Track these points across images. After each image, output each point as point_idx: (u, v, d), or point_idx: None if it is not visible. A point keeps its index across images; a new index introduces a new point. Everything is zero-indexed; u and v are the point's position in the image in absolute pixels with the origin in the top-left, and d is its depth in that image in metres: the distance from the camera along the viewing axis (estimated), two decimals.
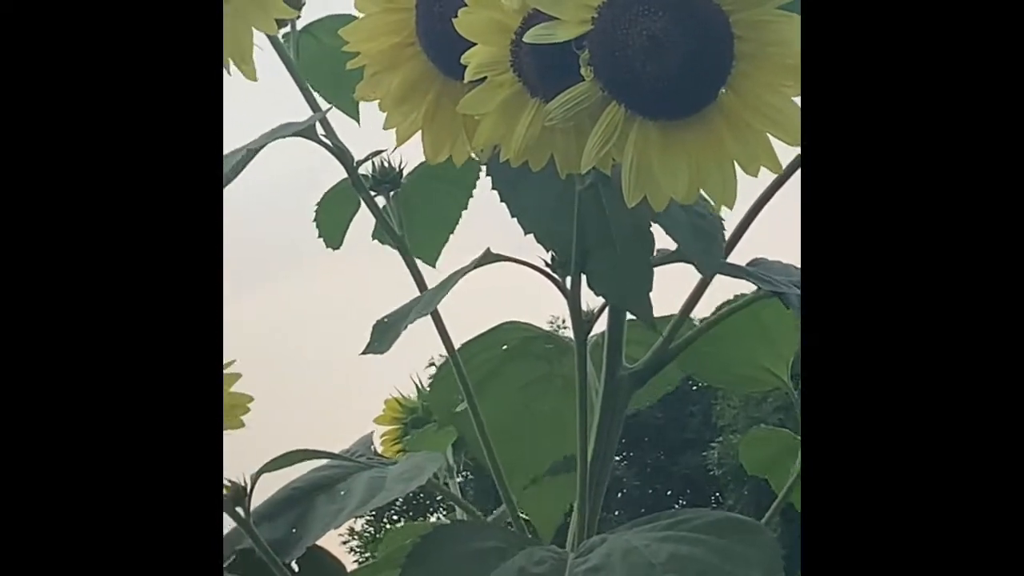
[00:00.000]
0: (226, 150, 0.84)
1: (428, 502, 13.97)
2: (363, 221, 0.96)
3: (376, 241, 0.96)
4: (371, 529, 15.97)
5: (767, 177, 0.67)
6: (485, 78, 0.63)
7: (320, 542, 0.80)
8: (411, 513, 15.49)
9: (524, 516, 0.91)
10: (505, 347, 0.91)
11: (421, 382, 1.17)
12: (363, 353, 0.78)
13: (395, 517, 16.04)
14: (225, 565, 0.77)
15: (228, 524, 0.76)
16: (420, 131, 0.71)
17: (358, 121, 0.92)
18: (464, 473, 1.05)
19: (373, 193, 0.91)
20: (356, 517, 0.79)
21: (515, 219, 0.74)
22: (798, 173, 0.69)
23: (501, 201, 0.77)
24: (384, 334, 0.78)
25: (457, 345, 0.88)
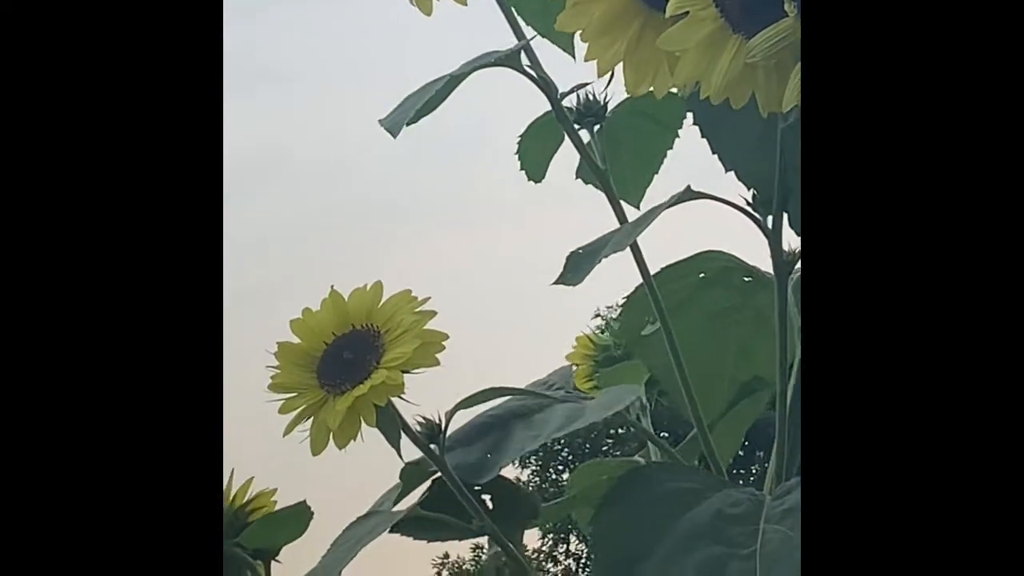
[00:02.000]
0: (432, 76, 0.84)
1: (595, 454, 14.03)
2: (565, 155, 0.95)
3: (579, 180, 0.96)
4: (536, 479, 16.10)
5: None
6: (687, 13, 0.62)
7: None
8: (576, 464, 15.64)
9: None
10: (702, 275, 0.90)
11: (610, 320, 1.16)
12: (555, 283, 0.78)
13: (560, 468, 16.16)
14: (425, 493, 0.78)
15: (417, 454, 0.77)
16: (622, 63, 0.70)
17: (573, 55, 0.91)
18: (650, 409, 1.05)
19: (577, 127, 0.90)
20: (548, 443, 0.79)
21: (716, 156, 0.72)
22: None
23: (702, 137, 0.76)
24: (578, 265, 0.78)
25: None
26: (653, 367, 0.92)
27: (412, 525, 0.78)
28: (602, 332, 1.13)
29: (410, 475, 0.80)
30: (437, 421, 0.77)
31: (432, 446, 0.76)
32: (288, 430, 0.72)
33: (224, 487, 0.87)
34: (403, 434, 0.75)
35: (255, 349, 0.75)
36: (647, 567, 0.67)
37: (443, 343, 0.71)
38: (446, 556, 16.48)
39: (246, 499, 0.87)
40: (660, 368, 0.90)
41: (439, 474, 0.79)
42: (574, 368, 1.09)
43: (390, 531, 0.76)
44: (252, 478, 0.88)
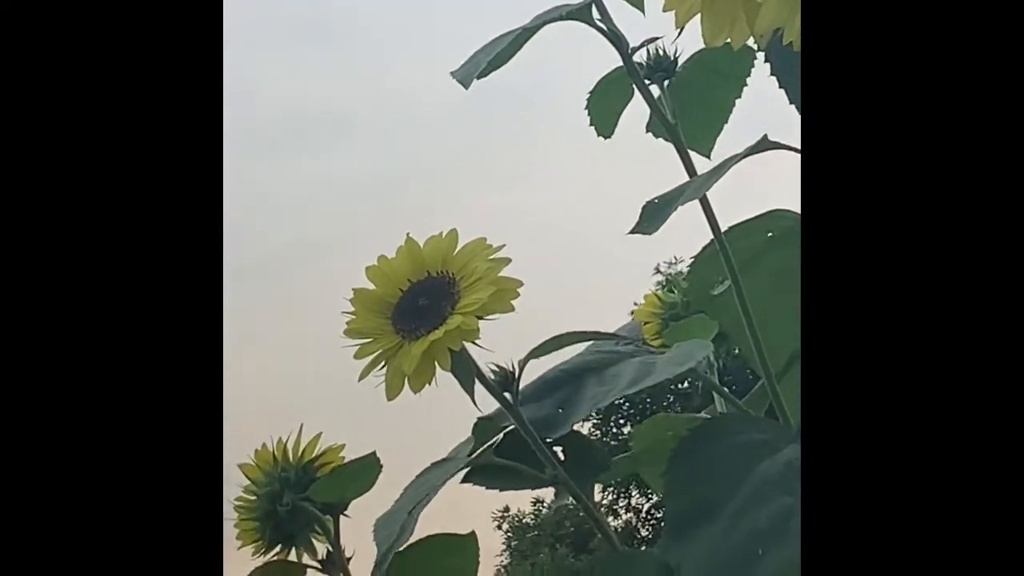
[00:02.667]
0: (503, 30, 0.84)
1: (656, 408, 14.05)
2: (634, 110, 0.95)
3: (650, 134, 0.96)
4: (597, 432, 16.13)
5: None
6: None
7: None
8: (638, 419, 15.64)
9: None
10: (770, 234, 0.90)
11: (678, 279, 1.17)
12: (631, 232, 0.78)
13: (622, 422, 16.18)
14: (495, 444, 0.78)
15: (493, 405, 0.78)
16: (699, 14, 0.69)
17: (642, 10, 0.90)
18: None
19: (647, 81, 0.90)
20: (620, 398, 0.79)
21: (793, 106, 0.72)
22: None
23: (780, 87, 0.75)
24: (654, 215, 0.78)
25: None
26: (724, 324, 0.92)
27: (484, 473, 0.79)
28: (669, 290, 1.14)
29: (482, 429, 0.80)
30: (511, 369, 0.77)
31: (506, 394, 0.76)
32: (363, 375, 0.72)
33: (293, 441, 0.87)
34: (477, 382, 0.75)
35: (333, 300, 0.76)
36: (720, 517, 0.67)
37: (517, 290, 0.72)
38: (507, 510, 16.57)
39: (315, 454, 0.88)
40: (730, 324, 0.90)
41: (510, 428, 0.79)
42: (643, 324, 1.10)
43: (463, 480, 0.76)
44: (320, 433, 0.88)
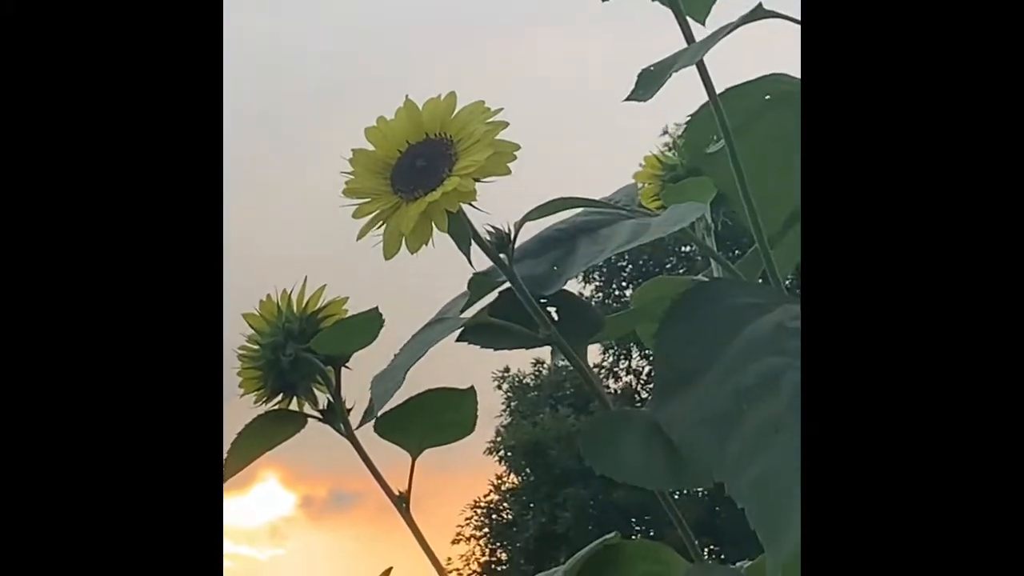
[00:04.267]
0: None
1: (658, 271, 14.07)
2: None
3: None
4: (600, 295, 16.16)
5: None
6: None
7: None
8: (639, 281, 15.69)
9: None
10: (768, 96, 0.91)
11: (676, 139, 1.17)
12: (627, 100, 0.79)
13: (624, 284, 16.20)
14: (490, 304, 0.79)
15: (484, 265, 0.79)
16: None
17: None
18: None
19: None
20: (612, 259, 0.81)
21: None
22: None
23: None
24: (649, 82, 0.79)
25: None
26: (719, 183, 0.93)
27: (479, 332, 0.80)
28: (669, 151, 1.14)
29: (478, 285, 0.81)
30: (506, 231, 0.79)
31: (501, 255, 0.78)
32: (361, 234, 0.73)
33: (297, 294, 0.89)
34: (473, 243, 0.77)
35: (332, 159, 0.77)
36: (707, 377, 0.69)
37: (514, 153, 0.73)
38: (507, 370, 16.71)
39: (318, 306, 0.90)
40: (725, 184, 0.91)
41: (506, 286, 0.81)
42: (640, 187, 1.11)
43: (457, 339, 0.78)
44: (324, 285, 0.90)
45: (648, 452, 0.72)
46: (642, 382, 16.48)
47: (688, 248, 13.68)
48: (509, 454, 15.06)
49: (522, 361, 16.97)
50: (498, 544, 15.97)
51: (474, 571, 15.93)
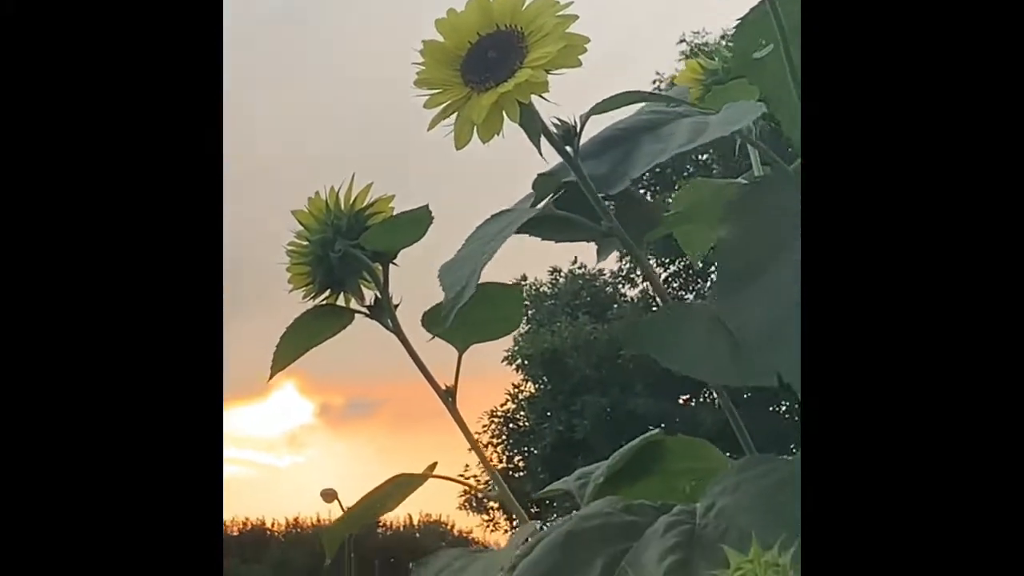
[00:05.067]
0: None
1: (675, 177, 14.01)
2: None
3: None
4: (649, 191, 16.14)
5: None
6: None
7: None
8: (657, 187, 15.63)
9: None
10: None
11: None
12: None
13: (641, 190, 16.16)
14: (554, 197, 0.79)
15: (555, 160, 0.79)
16: None
17: None
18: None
19: None
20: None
21: None
22: None
23: None
24: None
25: None
26: (764, 89, 0.92)
27: (542, 225, 0.80)
28: (709, 56, 1.14)
29: (542, 184, 0.82)
30: (572, 123, 0.78)
31: (567, 148, 0.77)
32: (432, 125, 0.74)
33: (345, 191, 0.89)
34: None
35: (393, 46, 0.76)
36: (773, 277, 0.69)
37: (585, 46, 0.72)
38: (523, 278, 16.71)
39: (365, 203, 0.89)
40: (771, 91, 0.90)
41: (567, 183, 0.80)
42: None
43: (519, 231, 0.78)
44: (371, 183, 0.90)
45: (712, 346, 0.72)
46: (680, 281, 16.48)
47: (704, 156, 13.65)
48: (526, 363, 15.15)
49: (539, 270, 17.04)
50: (515, 451, 16.12)
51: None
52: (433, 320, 0.90)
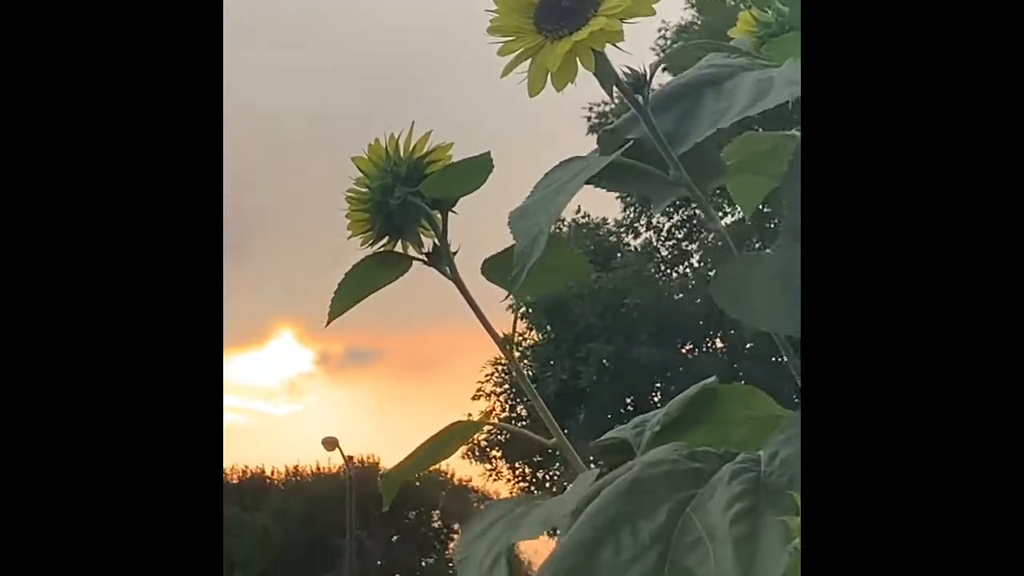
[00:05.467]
0: None
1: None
2: None
3: None
4: None
5: None
6: None
7: None
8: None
9: None
10: None
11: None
12: None
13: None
14: (623, 150, 0.79)
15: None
16: None
17: None
18: None
19: None
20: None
21: None
22: None
23: None
24: None
25: None
26: None
27: (610, 176, 0.80)
28: (762, 8, 1.14)
29: (607, 140, 0.82)
30: (643, 72, 0.78)
31: (637, 96, 0.78)
32: (506, 72, 0.74)
33: (404, 138, 0.89)
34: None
35: None
36: None
37: None
38: None
39: (424, 151, 0.90)
40: None
41: (632, 140, 0.80)
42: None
43: (587, 182, 0.78)
44: (430, 131, 0.90)
45: (777, 297, 0.72)
46: (661, 238, 16.46)
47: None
48: (530, 311, 15.15)
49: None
50: (518, 400, 16.15)
51: (493, 427, 16.12)
52: (493, 268, 0.91)
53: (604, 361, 14.06)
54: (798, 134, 0.98)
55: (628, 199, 15.17)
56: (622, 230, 16.08)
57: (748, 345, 14.58)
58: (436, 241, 0.92)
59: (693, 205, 16.02)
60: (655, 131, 0.78)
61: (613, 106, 15.34)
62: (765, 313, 0.74)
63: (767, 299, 0.74)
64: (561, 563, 0.69)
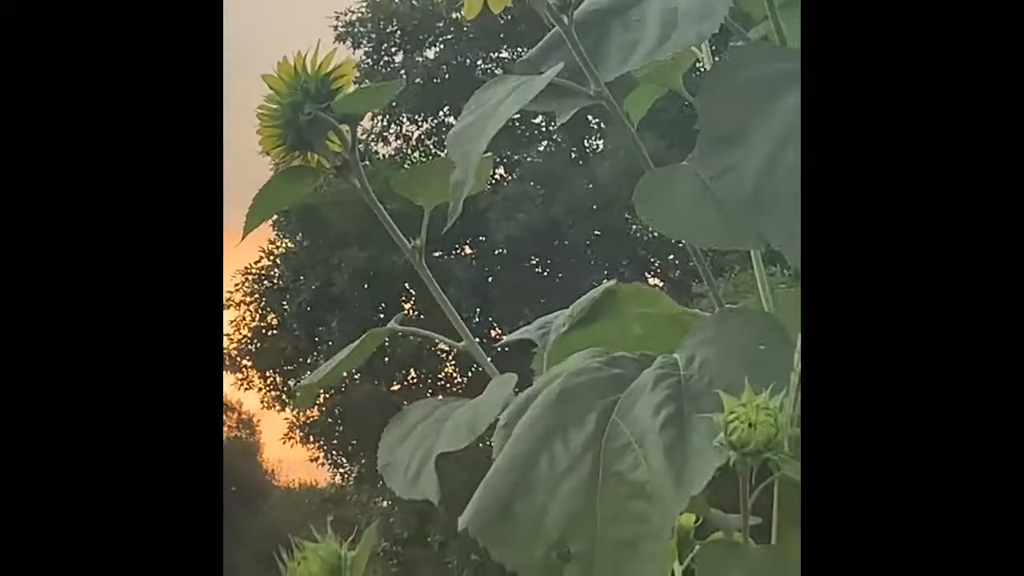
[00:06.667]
0: None
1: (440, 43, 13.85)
2: None
3: None
4: (368, 60, 15.85)
5: None
6: None
7: None
8: (409, 48, 15.36)
9: None
10: None
11: None
12: None
13: (393, 50, 15.93)
14: (555, 71, 0.82)
15: None
16: None
17: None
18: None
19: None
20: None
21: None
22: None
23: None
24: None
25: None
26: None
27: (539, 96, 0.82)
28: None
29: (521, 69, 0.85)
30: None
31: (563, 17, 0.81)
32: None
33: (311, 56, 0.91)
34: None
35: None
36: (751, 146, 0.72)
37: None
38: None
39: (331, 67, 0.92)
40: None
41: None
42: None
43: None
44: (336, 48, 0.93)
45: (699, 209, 0.77)
46: (411, 146, 16.33)
47: None
48: (282, 219, 14.91)
49: None
50: (269, 310, 15.92)
51: (244, 336, 15.87)
52: (403, 181, 0.94)
53: (360, 268, 13.93)
54: (697, 50, 1.00)
55: (376, 110, 14.94)
56: (371, 138, 15.94)
57: (497, 251, 14.73)
58: (346, 155, 0.94)
59: (441, 112, 15.95)
60: (579, 51, 0.82)
61: (360, 15, 15.05)
62: (684, 224, 0.79)
63: (686, 211, 0.78)
64: (503, 479, 0.71)
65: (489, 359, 0.96)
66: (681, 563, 1.11)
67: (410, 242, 0.97)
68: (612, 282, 0.96)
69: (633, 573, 0.65)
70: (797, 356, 0.64)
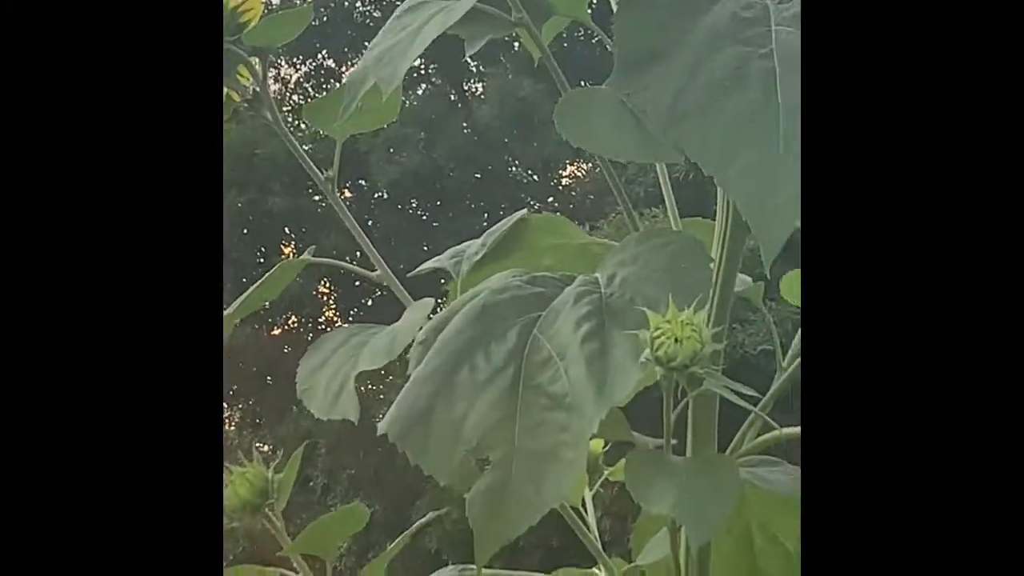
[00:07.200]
0: None
1: None
2: None
3: None
4: None
5: None
6: None
7: None
8: None
9: None
10: None
11: None
12: None
13: None
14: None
15: None
16: None
17: None
18: None
19: None
20: None
21: None
22: None
23: None
24: None
25: None
26: None
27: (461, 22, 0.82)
28: None
29: None
30: None
31: None
32: None
33: None
34: None
35: None
36: (673, 63, 0.71)
37: None
38: None
39: (239, 1, 0.92)
40: None
41: None
42: None
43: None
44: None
45: (618, 126, 0.76)
46: (290, 89, 16.16)
47: None
48: None
49: None
50: None
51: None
52: (314, 112, 0.94)
53: (238, 213, 13.81)
54: None
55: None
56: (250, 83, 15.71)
57: (377, 195, 14.67)
58: (256, 87, 0.94)
59: (320, 55, 15.84)
60: None
61: None
62: (602, 140, 0.79)
63: (604, 126, 0.78)
64: (422, 387, 0.72)
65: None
66: (591, 490, 1.14)
67: (323, 173, 0.97)
68: (523, 211, 0.97)
69: (551, 480, 0.66)
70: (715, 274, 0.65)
